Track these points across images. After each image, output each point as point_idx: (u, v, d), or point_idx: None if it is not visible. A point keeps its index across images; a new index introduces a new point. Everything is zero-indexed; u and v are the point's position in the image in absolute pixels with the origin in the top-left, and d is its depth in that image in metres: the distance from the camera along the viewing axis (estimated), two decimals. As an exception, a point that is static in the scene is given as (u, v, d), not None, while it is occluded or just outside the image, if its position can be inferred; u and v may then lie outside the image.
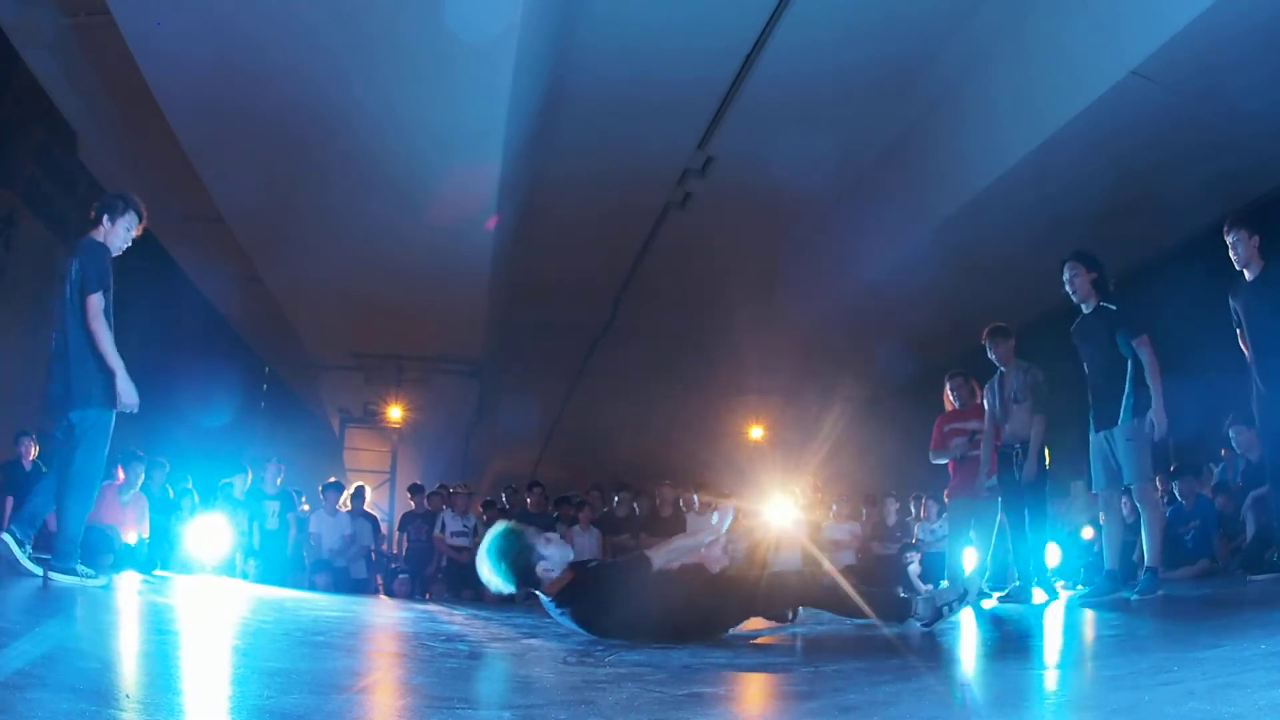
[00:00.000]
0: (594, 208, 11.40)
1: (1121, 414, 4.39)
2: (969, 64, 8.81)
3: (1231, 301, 4.43)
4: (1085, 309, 4.68)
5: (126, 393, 3.96)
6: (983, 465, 5.62)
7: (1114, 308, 4.57)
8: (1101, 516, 5.01)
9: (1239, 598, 3.76)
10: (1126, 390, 4.38)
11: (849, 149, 10.22)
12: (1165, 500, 7.05)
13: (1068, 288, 4.69)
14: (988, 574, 5.78)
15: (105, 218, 4.11)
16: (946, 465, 6.10)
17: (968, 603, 3.83)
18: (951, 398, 6.09)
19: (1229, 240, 4.39)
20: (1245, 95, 7.25)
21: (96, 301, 3.91)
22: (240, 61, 7.61)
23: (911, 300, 11.29)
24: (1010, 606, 4.96)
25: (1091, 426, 4.58)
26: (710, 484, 9.02)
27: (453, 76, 7.66)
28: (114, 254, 4.10)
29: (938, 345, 11.94)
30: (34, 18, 8.55)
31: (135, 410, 4.01)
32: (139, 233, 4.21)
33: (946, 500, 6.67)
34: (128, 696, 1.88)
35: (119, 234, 4.13)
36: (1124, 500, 5.14)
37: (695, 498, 8.53)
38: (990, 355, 5.47)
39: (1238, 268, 4.40)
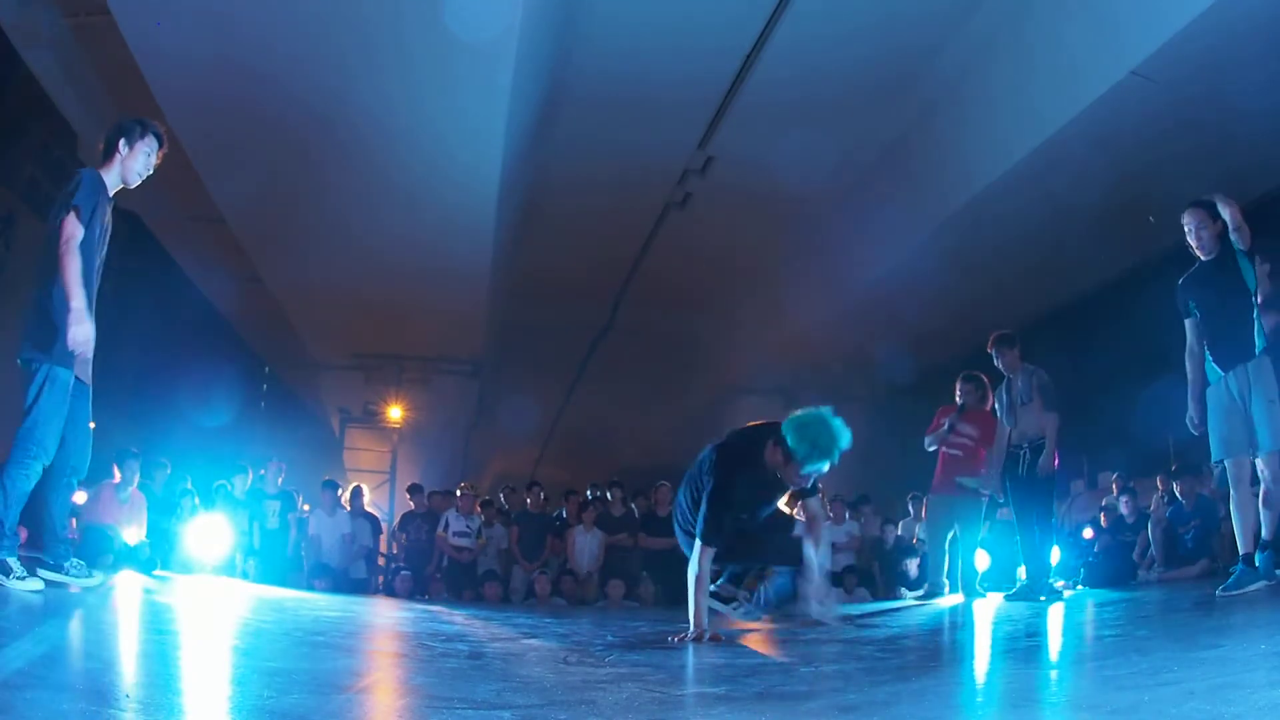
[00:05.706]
0: (594, 207, 11.40)
1: (1257, 342, 3.78)
2: (969, 64, 8.81)
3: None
4: (1205, 257, 4.17)
5: (76, 335, 3.22)
6: (990, 465, 5.60)
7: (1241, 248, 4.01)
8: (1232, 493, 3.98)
9: (1239, 598, 3.76)
10: (1255, 321, 3.86)
11: (849, 149, 10.21)
12: (1166, 500, 7.07)
13: (1190, 239, 4.20)
14: (979, 573, 5.79)
15: (122, 142, 3.65)
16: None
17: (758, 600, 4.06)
18: (959, 396, 6.01)
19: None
20: (1245, 95, 7.24)
21: (71, 223, 3.26)
22: (240, 61, 7.62)
23: (911, 300, 11.28)
24: (1016, 605, 4.97)
25: (1210, 376, 3.97)
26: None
27: (453, 76, 7.66)
28: (133, 183, 3.73)
29: (938, 345, 11.94)
30: (34, 18, 8.53)
31: (79, 352, 3.27)
32: (159, 160, 3.78)
33: (925, 500, 6.68)
34: (128, 696, 1.88)
35: (138, 160, 3.69)
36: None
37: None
38: (997, 363, 5.52)
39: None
